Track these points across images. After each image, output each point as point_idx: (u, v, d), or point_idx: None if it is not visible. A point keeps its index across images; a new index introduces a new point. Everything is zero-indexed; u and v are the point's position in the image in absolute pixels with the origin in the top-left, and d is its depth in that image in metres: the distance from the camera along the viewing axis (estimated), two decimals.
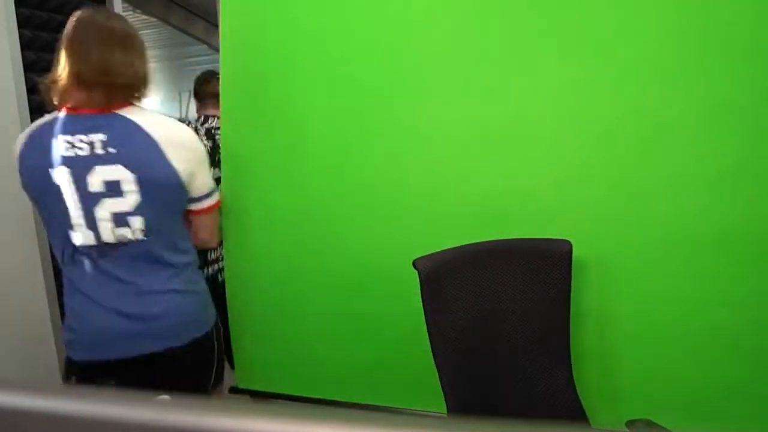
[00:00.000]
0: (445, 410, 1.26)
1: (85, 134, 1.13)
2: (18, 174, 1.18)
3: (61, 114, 1.15)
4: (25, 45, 1.54)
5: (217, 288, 1.82)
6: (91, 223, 1.15)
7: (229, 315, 1.78)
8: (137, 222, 1.17)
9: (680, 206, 1.35)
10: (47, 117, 1.17)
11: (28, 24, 1.56)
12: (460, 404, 1.26)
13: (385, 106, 1.54)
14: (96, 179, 1.13)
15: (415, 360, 1.48)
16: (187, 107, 9.55)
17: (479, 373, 1.36)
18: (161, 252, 1.22)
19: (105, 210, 1.15)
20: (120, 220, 1.15)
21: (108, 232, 1.16)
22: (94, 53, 1.12)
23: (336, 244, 1.64)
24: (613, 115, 1.38)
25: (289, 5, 1.59)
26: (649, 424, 1.18)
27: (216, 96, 1.84)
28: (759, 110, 1.27)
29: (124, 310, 1.19)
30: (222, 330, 1.43)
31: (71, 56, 1.12)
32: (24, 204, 1.45)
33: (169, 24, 5.99)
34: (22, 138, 1.17)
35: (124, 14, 1.88)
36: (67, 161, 1.12)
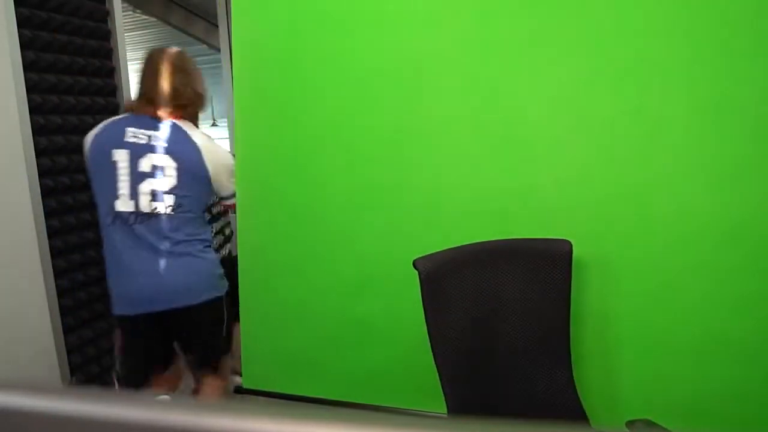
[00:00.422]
0: (445, 410, 1.25)
1: (146, 129, 1.50)
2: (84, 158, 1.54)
3: (130, 114, 1.54)
4: (25, 44, 1.54)
5: None
6: (134, 195, 1.49)
7: (241, 315, 1.81)
8: (169, 200, 1.51)
9: (681, 206, 1.35)
10: (118, 116, 1.56)
11: (27, 24, 1.56)
12: (460, 404, 1.25)
13: (390, 107, 1.55)
14: (146, 162, 1.49)
15: (419, 360, 1.48)
16: None
17: (479, 373, 1.35)
18: (183, 226, 1.54)
19: (147, 186, 1.49)
20: (156, 196, 1.50)
21: (145, 204, 1.49)
22: (158, 81, 1.52)
23: (342, 245, 1.65)
24: (614, 116, 1.37)
25: (298, 11, 1.60)
26: (649, 424, 1.18)
27: None
28: (760, 109, 1.27)
29: (150, 269, 1.50)
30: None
31: (142, 82, 1.56)
32: (24, 204, 1.45)
33: (169, 24, 5.96)
34: (97, 127, 1.55)
35: (123, 14, 1.89)
36: (128, 145, 1.49)
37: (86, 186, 1.71)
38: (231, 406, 0.26)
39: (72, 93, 1.69)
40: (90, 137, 1.53)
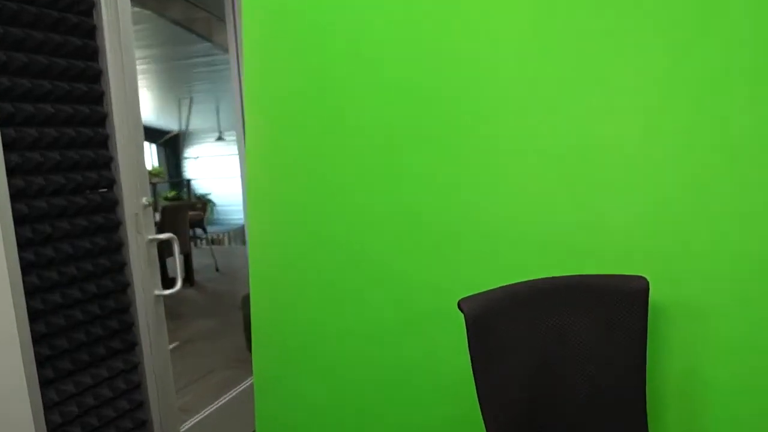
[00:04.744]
0: None
1: None
2: None
3: None
4: None
5: None
6: None
7: (254, 362, 1.67)
8: None
9: None
10: None
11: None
12: None
13: (434, 120, 1.39)
14: None
15: (468, 420, 1.36)
16: (188, 117, 8.58)
17: None
18: None
19: None
20: None
21: None
22: None
23: (377, 281, 1.48)
24: (700, 136, 1.20)
25: (318, 15, 1.46)
26: None
27: None
28: None
29: None
30: None
31: None
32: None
33: (167, 18, 5.70)
34: None
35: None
36: None
37: (65, 212, 1.52)
38: None
39: (49, 100, 1.52)
40: None
